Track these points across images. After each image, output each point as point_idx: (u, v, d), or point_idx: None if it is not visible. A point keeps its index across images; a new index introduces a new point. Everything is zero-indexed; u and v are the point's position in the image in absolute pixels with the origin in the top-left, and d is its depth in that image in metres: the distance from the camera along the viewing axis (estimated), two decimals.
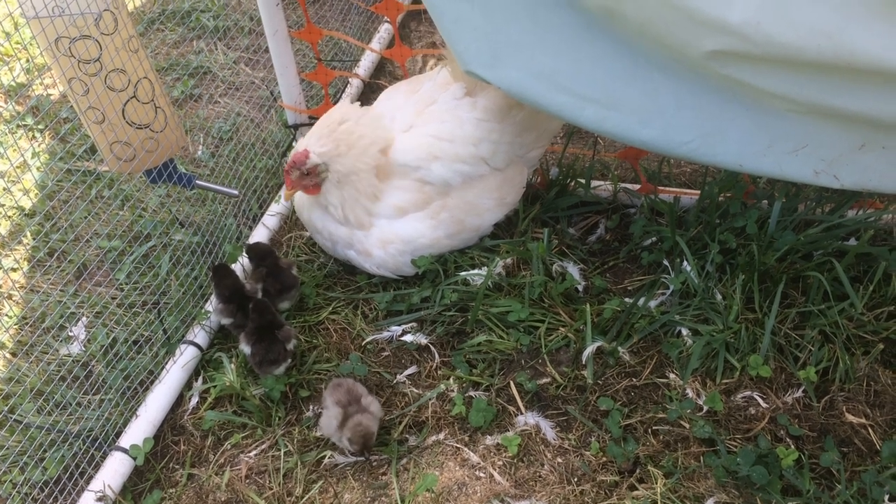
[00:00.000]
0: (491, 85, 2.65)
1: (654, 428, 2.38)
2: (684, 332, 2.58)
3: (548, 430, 2.39)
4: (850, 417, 2.36)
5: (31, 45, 4.24)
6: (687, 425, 2.37)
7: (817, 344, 2.50)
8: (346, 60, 4.29)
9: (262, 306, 2.60)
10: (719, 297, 2.63)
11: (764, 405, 2.41)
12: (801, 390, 2.43)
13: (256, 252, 2.87)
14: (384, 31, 4.45)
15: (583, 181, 3.11)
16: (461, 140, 2.75)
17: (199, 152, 3.65)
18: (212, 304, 2.78)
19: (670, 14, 1.97)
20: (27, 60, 4.29)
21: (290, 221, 3.26)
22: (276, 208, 3.28)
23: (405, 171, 2.77)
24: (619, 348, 2.56)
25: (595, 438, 2.37)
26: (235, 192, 3.04)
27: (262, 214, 3.26)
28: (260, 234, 3.15)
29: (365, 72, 4.13)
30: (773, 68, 2.01)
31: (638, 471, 2.28)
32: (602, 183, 3.18)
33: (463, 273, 2.79)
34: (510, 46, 2.28)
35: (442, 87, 2.85)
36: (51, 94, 4.13)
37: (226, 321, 2.70)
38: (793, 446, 2.27)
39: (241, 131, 3.78)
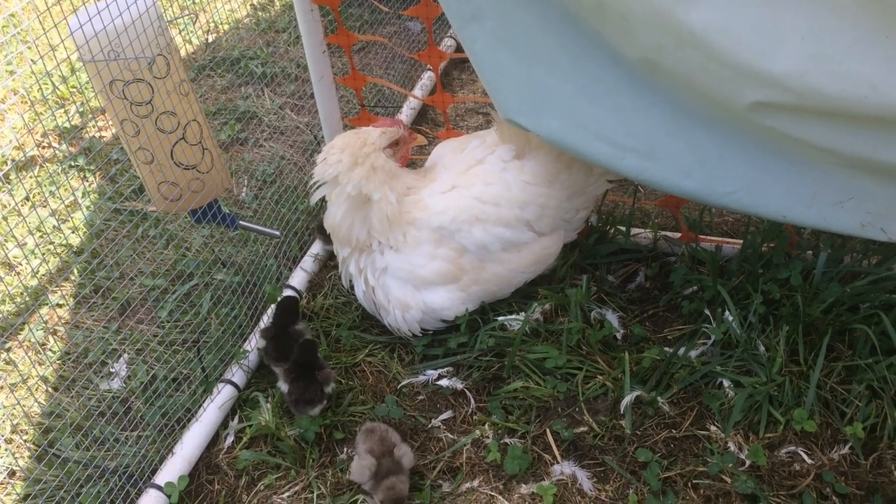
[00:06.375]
0: (539, 148, 2.69)
1: (694, 482, 2.32)
2: (726, 383, 2.53)
3: (584, 480, 2.34)
4: None
5: (86, 88, 4.41)
6: (728, 480, 2.30)
7: (864, 399, 2.42)
8: (389, 107, 4.36)
9: (308, 345, 2.61)
10: (762, 348, 2.58)
11: (809, 461, 2.34)
12: (847, 447, 2.35)
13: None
14: (427, 78, 4.53)
15: (622, 228, 3.10)
16: (507, 203, 2.67)
17: (243, 194, 3.73)
18: (253, 342, 2.81)
19: (712, 66, 1.97)
20: (82, 103, 4.45)
21: (332, 263, 3.28)
22: (315, 249, 3.31)
23: (440, 236, 2.68)
24: (659, 398, 2.51)
25: (633, 491, 2.31)
26: (277, 232, 3.08)
27: (303, 256, 3.29)
28: (299, 277, 3.17)
29: (407, 118, 4.20)
30: (816, 120, 1.99)
31: None
32: (642, 230, 3.16)
33: (500, 318, 2.77)
34: (551, 96, 2.30)
35: (489, 148, 2.77)
36: (103, 136, 4.26)
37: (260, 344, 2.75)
38: None
39: (284, 174, 3.85)
